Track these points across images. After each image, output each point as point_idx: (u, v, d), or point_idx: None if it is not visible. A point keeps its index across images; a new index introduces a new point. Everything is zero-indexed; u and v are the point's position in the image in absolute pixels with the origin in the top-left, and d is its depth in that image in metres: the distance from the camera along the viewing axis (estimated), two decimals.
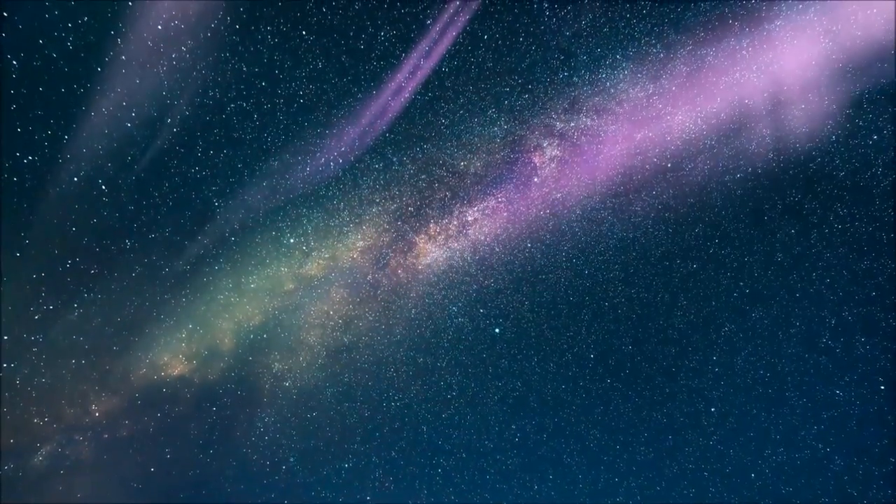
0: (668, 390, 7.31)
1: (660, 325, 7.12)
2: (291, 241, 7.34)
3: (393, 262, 7.61)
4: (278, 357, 7.57)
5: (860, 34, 5.70)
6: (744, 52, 6.12)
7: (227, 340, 7.54)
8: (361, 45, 6.69)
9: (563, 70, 6.50)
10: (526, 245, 7.37)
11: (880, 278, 6.80)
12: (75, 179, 6.78)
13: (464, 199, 7.55)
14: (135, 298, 7.12)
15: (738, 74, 6.22)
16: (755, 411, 7.45)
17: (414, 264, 7.65)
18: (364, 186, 7.28)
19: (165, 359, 7.52)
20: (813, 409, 7.41)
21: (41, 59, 6.11)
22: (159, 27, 6.38)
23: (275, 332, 7.48)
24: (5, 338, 7.15)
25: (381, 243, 7.54)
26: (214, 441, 7.38)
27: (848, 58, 5.84)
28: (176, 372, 7.53)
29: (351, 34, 6.66)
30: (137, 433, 7.28)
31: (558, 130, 6.90)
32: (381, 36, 6.68)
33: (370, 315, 7.57)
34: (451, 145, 7.30)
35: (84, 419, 7.49)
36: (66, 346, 7.28)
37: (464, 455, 7.30)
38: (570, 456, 7.18)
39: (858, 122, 6.07)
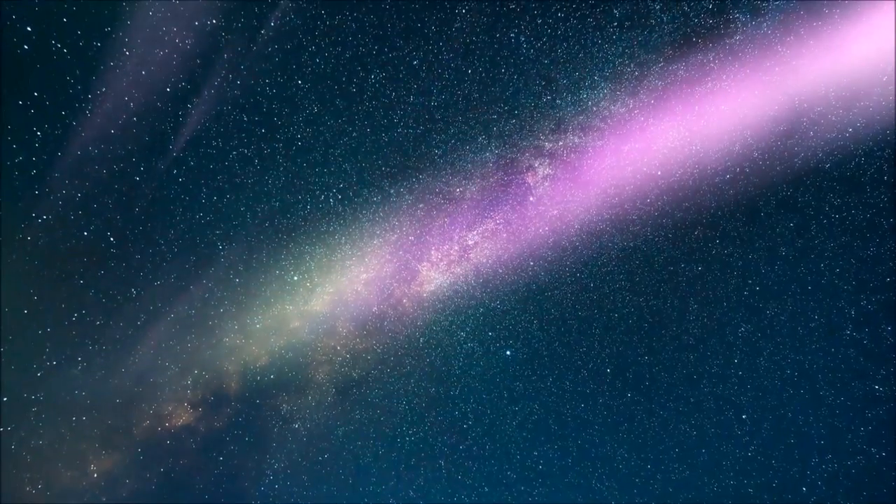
0: (692, 399, 7.76)
1: (674, 332, 7.74)
2: (295, 278, 8.19)
3: (397, 292, 8.40)
4: (286, 398, 8.14)
5: (812, 42, 6.89)
6: (711, 64, 7.33)
7: (233, 384, 8.14)
8: (353, 88, 7.97)
9: (545, 94, 7.72)
10: (528, 264, 8.19)
11: (891, 263, 7.49)
12: (85, 233, 7.77)
13: (463, 224, 8.50)
14: (140, 347, 7.82)
15: (710, 84, 7.40)
16: (790, 415, 7.77)
17: (418, 293, 8.42)
18: (364, 219, 8.25)
19: (170, 408, 8.08)
20: (854, 407, 7.66)
21: (48, 116, 7.33)
22: (167, 89, 7.68)
23: (282, 371, 8.12)
24: (4, 399, 7.78)
25: (384, 274, 8.38)
26: (222, 493, 7.76)
27: (808, 62, 7.01)
28: (181, 421, 8.05)
29: (343, 79, 7.96)
30: (139, 492, 7.64)
31: (548, 150, 7.98)
32: (372, 78, 7.99)
33: (378, 347, 8.24)
34: (446, 173, 8.37)
35: (81, 482, 7.89)
36: (66, 402, 7.86)
37: (486, 489, 7.61)
38: (600, 480, 7.48)
39: (831, 117, 7.10)
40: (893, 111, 6.92)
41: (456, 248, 8.40)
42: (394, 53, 7.65)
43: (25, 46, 6.78)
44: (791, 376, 7.84)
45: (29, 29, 6.86)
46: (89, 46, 6.94)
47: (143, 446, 7.92)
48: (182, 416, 8.10)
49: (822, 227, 7.46)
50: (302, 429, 7.88)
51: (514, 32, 7.48)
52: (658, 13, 7.26)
